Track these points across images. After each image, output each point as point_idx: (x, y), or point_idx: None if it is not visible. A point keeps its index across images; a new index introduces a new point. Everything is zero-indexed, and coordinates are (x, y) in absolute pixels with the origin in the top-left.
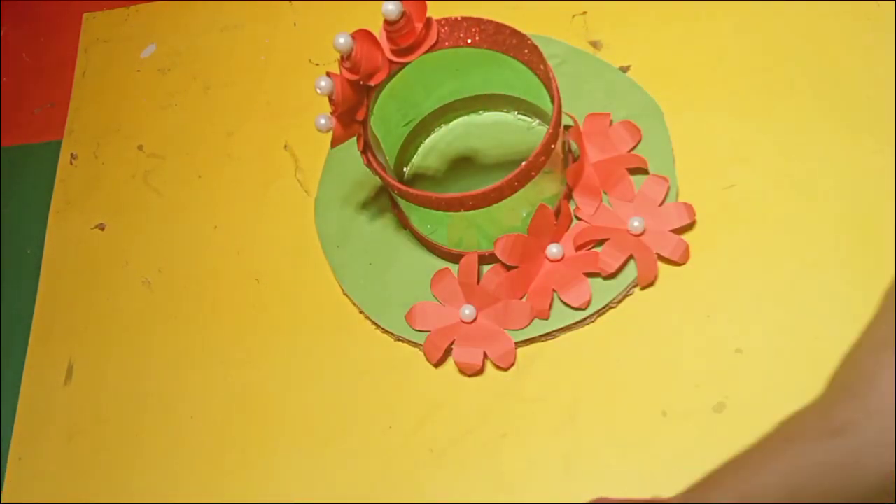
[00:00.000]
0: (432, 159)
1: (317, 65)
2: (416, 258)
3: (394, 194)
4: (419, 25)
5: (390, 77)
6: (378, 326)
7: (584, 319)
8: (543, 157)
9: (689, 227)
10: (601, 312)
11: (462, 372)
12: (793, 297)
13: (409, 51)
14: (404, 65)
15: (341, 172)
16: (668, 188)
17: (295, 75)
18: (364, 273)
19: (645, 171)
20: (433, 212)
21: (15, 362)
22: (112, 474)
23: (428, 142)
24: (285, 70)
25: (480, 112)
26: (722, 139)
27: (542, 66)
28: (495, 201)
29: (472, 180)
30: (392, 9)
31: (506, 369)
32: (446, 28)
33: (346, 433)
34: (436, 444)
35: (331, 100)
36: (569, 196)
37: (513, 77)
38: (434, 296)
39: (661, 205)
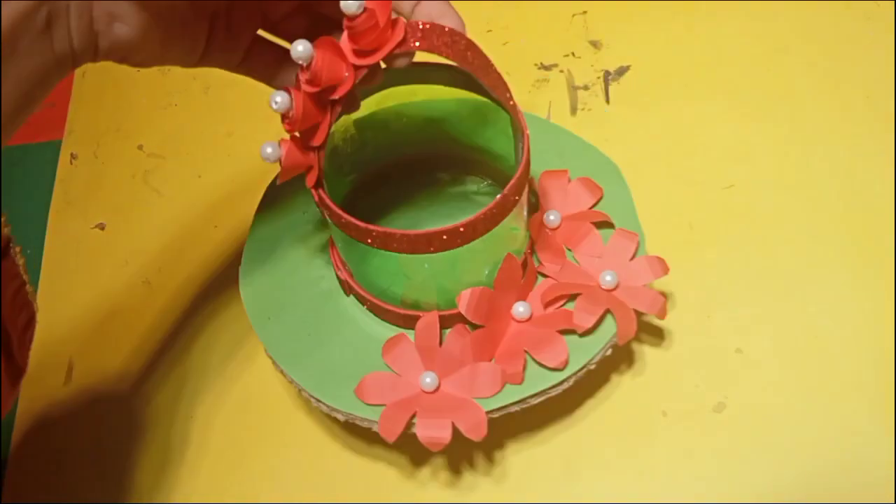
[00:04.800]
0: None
1: None
2: (363, 326)
3: (340, 245)
4: (382, 22)
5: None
6: (322, 403)
7: (561, 382)
8: (517, 197)
9: (663, 274)
10: (577, 374)
11: (428, 447)
12: (794, 296)
13: (372, 51)
14: (367, 68)
15: (269, 229)
16: (638, 242)
17: None
18: (303, 347)
19: (611, 226)
20: (388, 267)
21: None
22: (112, 474)
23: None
24: None
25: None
26: (722, 139)
27: (508, 96)
28: (466, 240)
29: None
30: (352, 1)
31: (478, 441)
32: (419, 32)
33: None
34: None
35: (285, 118)
36: (531, 253)
37: (464, 134)
38: (388, 365)
39: (631, 259)
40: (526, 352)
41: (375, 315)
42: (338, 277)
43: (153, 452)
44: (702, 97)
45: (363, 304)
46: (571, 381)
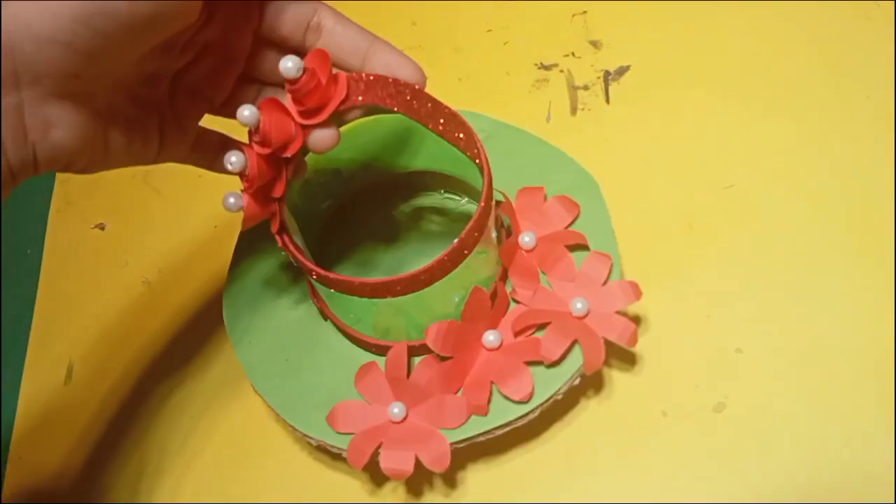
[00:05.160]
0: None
1: None
2: (339, 352)
3: (312, 280)
4: (324, 80)
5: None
6: (296, 430)
7: (526, 414)
8: (477, 234)
9: (636, 298)
10: (543, 405)
11: (391, 478)
12: (793, 296)
13: (316, 111)
14: (315, 127)
15: (252, 257)
16: (612, 266)
17: None
18: (279, 371)
19: (585, 248)
20: (357, 299)
21: (15, 362)
22: (112, 474)
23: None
24: None
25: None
26: (722, 139)
27: (460, 135)
28: (426, 285)
29: (401, 264)
30: (291, 65)
31: (440, 473)
32: (361, 84)
33: None
34: None
35: (243, 176)
36: (504, 278)
37: (438, 150)
38: (359, 393)
39: (604, 283)
40: (492, 383)
41: (351, 341)
42: (314, 303)
43: (152, 452)
44: (702, 97)
45: (337, 329)
46: (537, 412)
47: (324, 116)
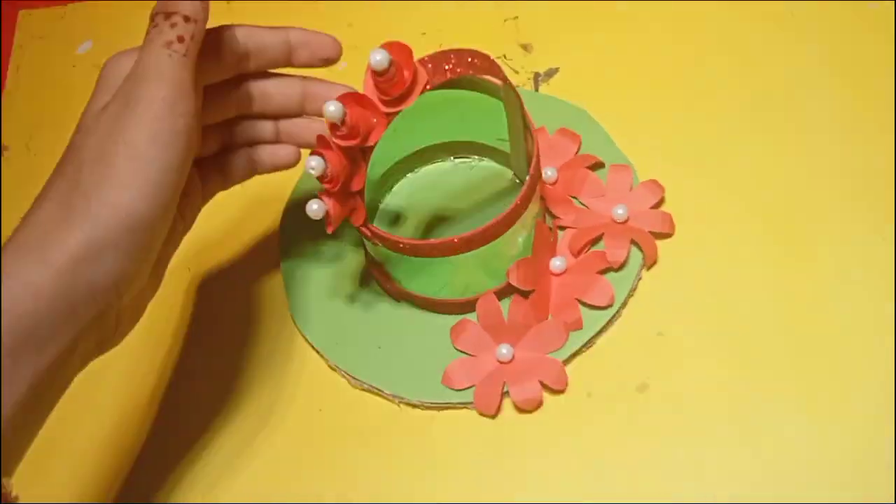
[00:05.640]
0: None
1: None
2: (424, 324)
3: (388, 265)
4: (408, 73)
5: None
6: (411, 404)
7: (615, 315)
8: (539, 171)
9: (662, 201)
10: (624, 304)
11: (524, 410)
12: (712, 281)
13: (401, 99)
14: (398, 113)
15: (303, 248)
16: (632, 172)
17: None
18: (378, 359)
19: (601, 165)
20: (438, 267)
21: None
22: (108, 474)
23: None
24: None
25: (416, 170)
26: (652, 140)
27: (511, 91)
28: (507, 227)
29: (459, 223)
30: (380, 59)
31: (562, 391)
32: (430, 65)
33: None
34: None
35: (324, 178)
36: (546, 211)
37: (435, 125)
38: (460, 351)
39: (631, 190)
40: (577, 299)
41: (433, 311)
42: (384, 290)
43: (158, 450)
44: (626, 96)
45: (418, 307)
46: (622, 313)
47: (410, 102)
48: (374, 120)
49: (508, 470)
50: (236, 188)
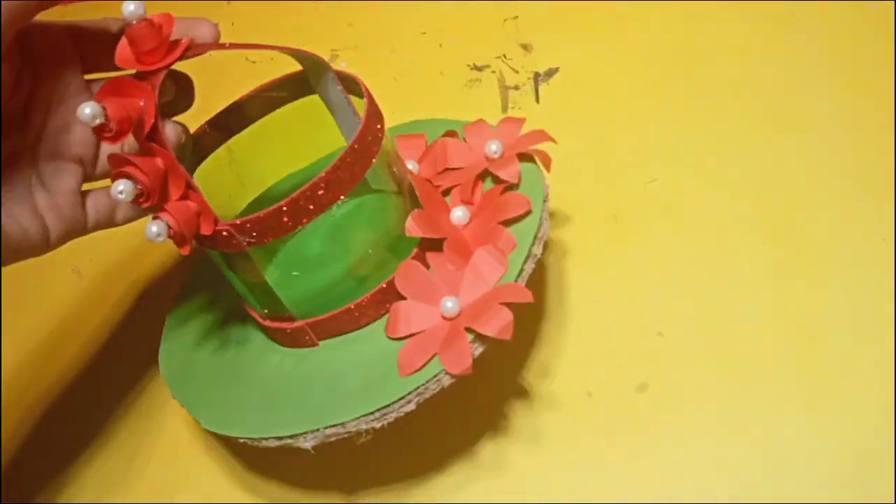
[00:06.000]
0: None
1: (254, 62)
2: (353, 344)
3: (275, 278)
4: (167, 27)
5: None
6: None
7: (541, 220)
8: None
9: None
10: (546, 203)
11: (503, 338)
12: (711, 282)
13: (163, 55)
14: (159, 71)
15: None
16: (487, 123)
17: (233, 72)
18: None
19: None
20: (346, 278)
21: None
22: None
23: None
24: (224, 67)
25: None
26: (645, 137)
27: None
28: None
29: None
30: (134, 8)
31: (531, 301)
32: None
33: None
34: None
35: (139, 198)
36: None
37: (285, 157)
38: (405, 338)
39: (493, 130)
40: (497, 224)
41: (352, 328)
42: (290, 340)
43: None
44: (626, 97)
45: (337, 332)
46: (546, 221)
47: (175, 55)
48: (142, 102)
49: (508, 470)
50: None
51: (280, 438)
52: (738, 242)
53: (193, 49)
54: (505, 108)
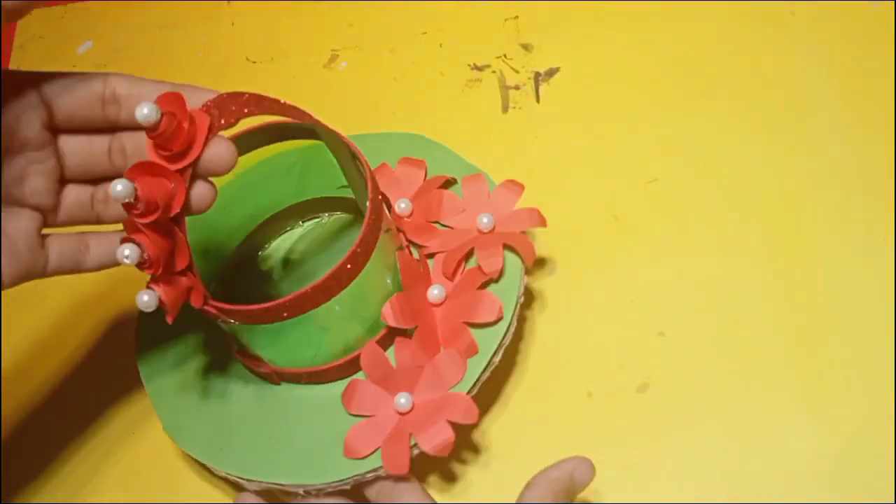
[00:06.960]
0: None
1: (254, 62)
2: (311, 400)
3: (255, 340)
4: (185, 122)
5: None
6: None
7: (508, 327)
8: (376, 211)
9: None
10: (515, 314)
11: (441, 455)
12: (711, 282)
13: (183, 154)
14: (188, 168)
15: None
16: (484, 178)
17: (232, 72)
18: (269, 453)
19: (454, 182)
20: (307, 336)
21: None
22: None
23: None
24: (223, 67)
25: (266, 246)
26: (646, 136)
27: (327, 130)
28: (359, 269)
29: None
30: (148, 112)
31: (475, 424)
32: (215, 111)
33: None
34: None
35: (143, 265)
36: (409, 245)
37: (277, 191)
38: (358, 414)
39: (489, 196)
40: (465, 323)
41: (318, 382)
42: (259, 376)
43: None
44: (626, 97)
45: (299, 382)
46: (514, 324)
47: (194, 156)
48: (172, 185)
49: (508, 470)
50: None
51: (229, 474)
52: (738, 242)
53: (213, 132)
54: (505, 108)
